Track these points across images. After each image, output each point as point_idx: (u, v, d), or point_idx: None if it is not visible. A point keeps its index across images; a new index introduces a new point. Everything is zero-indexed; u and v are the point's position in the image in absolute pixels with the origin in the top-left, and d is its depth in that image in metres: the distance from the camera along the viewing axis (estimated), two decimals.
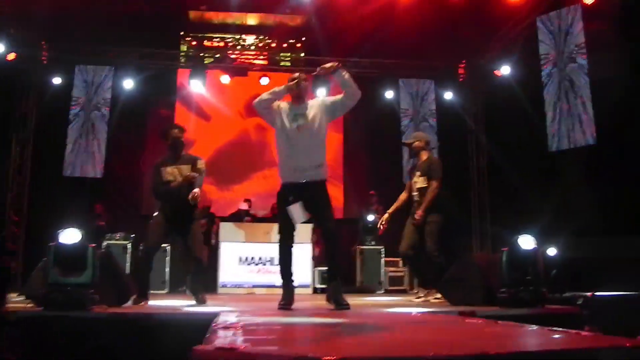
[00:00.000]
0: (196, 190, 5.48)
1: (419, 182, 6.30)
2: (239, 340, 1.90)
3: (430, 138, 6.87)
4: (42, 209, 10.46)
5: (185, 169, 5.65)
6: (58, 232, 4.25)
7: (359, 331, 2.63)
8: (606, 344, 1.91)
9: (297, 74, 4.85)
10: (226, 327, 2.45)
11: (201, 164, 5.73)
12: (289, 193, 4.69)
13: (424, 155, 6.45)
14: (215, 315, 3.57)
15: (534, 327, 2.66)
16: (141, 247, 6.12)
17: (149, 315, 4.23)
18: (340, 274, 4.87)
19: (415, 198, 6.31)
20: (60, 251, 4.22)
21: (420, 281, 7.00)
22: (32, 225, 10.67)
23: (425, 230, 6.11)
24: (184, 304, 5.52)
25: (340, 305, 4.48)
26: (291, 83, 4.75)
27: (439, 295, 5.89)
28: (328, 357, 1.48)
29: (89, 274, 4.24)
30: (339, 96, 4.81)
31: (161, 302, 6.09)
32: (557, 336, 2.23)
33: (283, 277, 4.81)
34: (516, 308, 4.39)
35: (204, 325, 2.98)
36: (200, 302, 5.52)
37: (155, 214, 5.75)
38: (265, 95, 4.76)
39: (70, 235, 4.24)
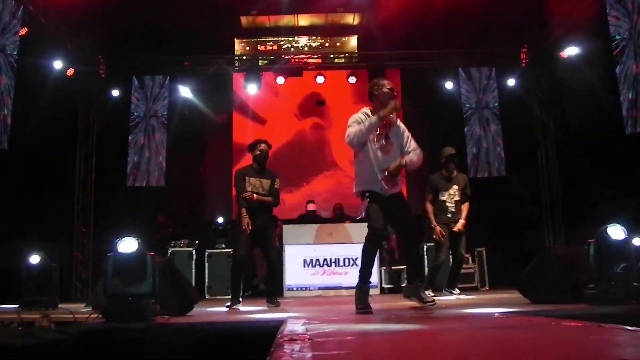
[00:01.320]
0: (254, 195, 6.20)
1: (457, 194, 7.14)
2: (307, 358, 1.65)
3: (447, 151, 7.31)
4: (108, 220, 10.58)
5: (266, 183, 6.35)
6: (116, 241, 4.14)
7: (448, 342, 2.31)
8: None
9: (393, 102, 4.73)
10: (292, 340, 2.20)
11: (278, 183, 6.43)
12: (375, 196, 4.72)
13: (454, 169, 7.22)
14: (281, 322, 3.36)
15: None
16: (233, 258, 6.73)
17: (212, 325, 4.06)
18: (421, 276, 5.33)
19: (452, 209, 7.11)
20: (118, 261, 4.10)
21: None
22: (99, 236, 10.81)
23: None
24: (249, 310, 5.39)
25: (426, 302, 4.68)
26: (386, 110, 4.66)
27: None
28: None
29: (149, 283, 4.10)
30: (413, 150, 4.87)
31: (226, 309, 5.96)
32: None
33: (363, 278, 4.71)
34: (607, 305, 3.95)
35: (269, 334, 2.78)
36: (275, 305, 6.09)
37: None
38: (362, 134, 4.62)
39: (128, 245, 4.11)
